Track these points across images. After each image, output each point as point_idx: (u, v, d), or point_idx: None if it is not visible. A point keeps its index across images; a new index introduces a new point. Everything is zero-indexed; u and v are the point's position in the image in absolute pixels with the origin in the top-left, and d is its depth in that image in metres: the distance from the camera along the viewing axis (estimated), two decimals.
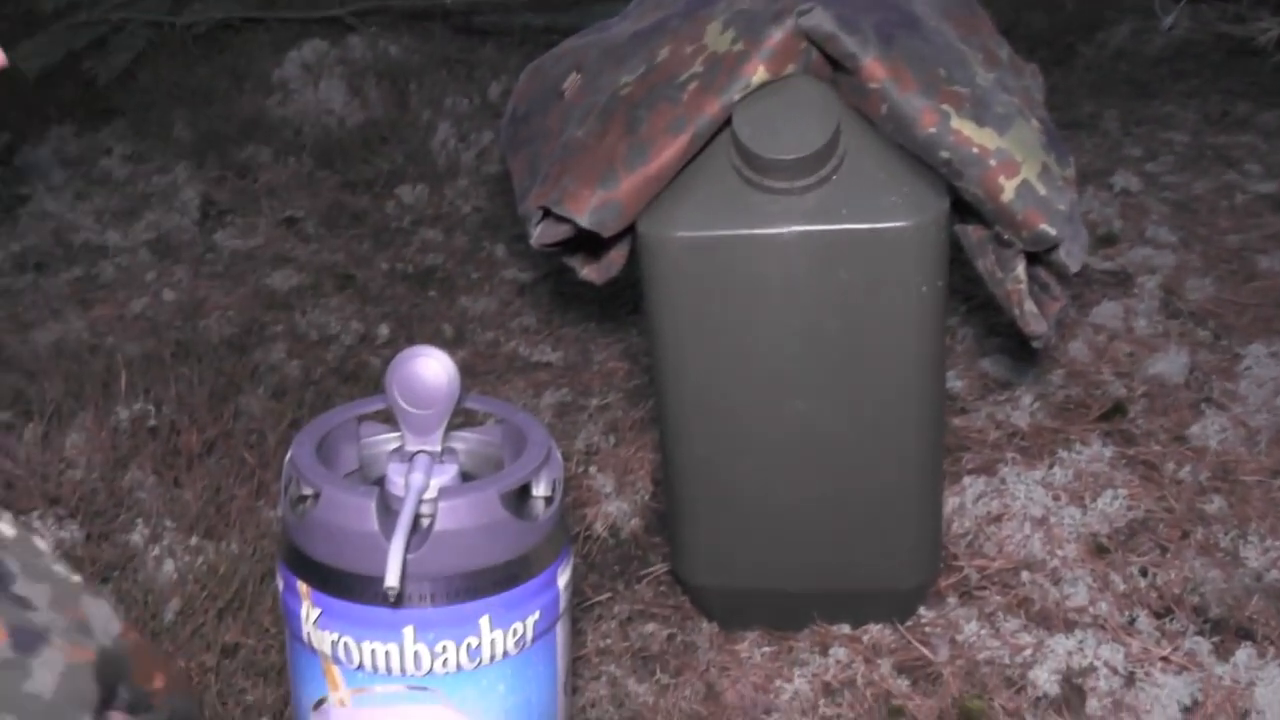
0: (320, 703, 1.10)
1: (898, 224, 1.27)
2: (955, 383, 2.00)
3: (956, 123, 1.27)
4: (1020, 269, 1.37)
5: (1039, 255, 1.36)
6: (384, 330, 2.29)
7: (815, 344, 1.32)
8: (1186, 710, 1.38)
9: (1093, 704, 1.39)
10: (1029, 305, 1.38)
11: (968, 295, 2.22)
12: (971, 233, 1.41)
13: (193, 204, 2.81)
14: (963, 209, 1.35)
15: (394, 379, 1.09)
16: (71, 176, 2.98)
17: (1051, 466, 1.77)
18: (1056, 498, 1.71)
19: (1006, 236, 1.32)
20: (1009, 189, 1.28)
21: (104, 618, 0.74)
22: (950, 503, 1.70)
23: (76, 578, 0.75)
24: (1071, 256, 1.34)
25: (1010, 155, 1.28)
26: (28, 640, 0.69)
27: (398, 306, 2.38)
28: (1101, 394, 1.96)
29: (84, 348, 2.19)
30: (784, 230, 1.28)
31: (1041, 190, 1.28)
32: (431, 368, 1.08)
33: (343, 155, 3.01)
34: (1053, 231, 1.29)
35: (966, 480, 1.75)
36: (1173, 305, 2.19)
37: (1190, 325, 2.13)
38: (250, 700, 1.40)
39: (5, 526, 0.73)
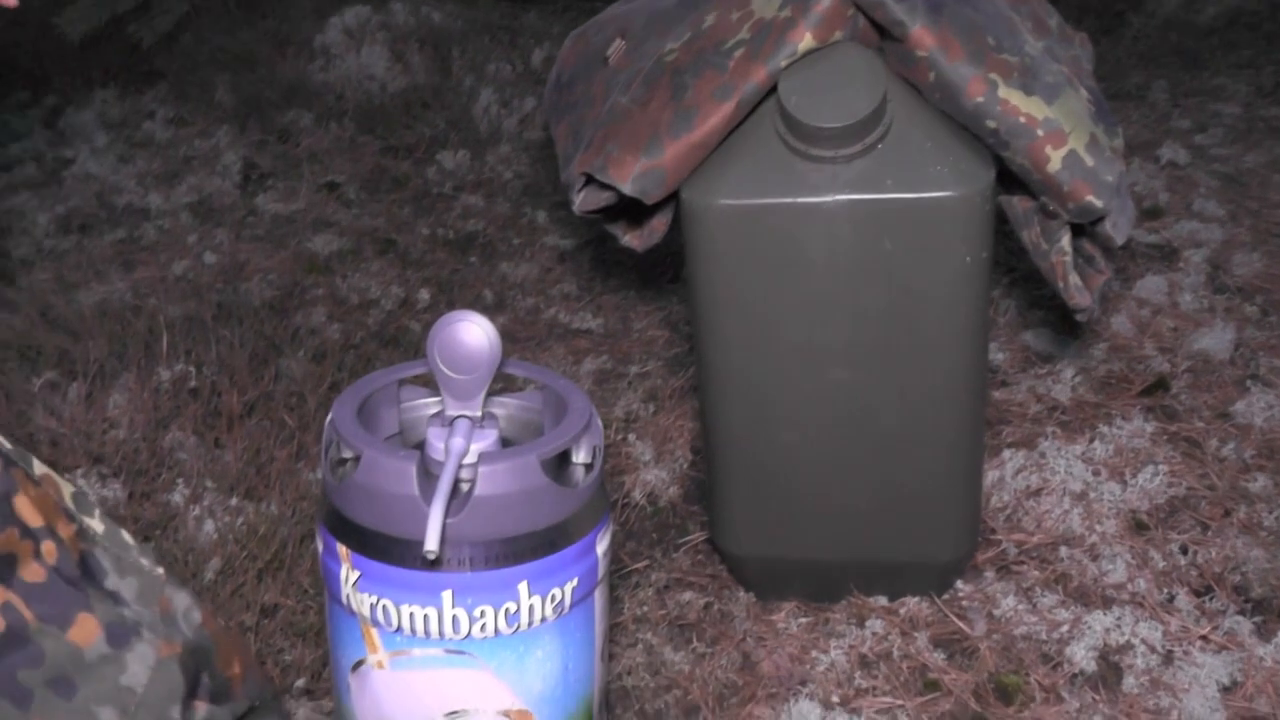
0: (359, 664, 1.11)
1: (943, 194, 1.26)
2: (997, 355, 1.99)
3: (1004, 92, 1.25)
4: (1065, 241, 1.35)
5: (1084, 227, 1.34)
6: (424, 295, 2.29)
7: (858, 314, 1.31)
8: (1225, 690, 1.37)
9: (1129, 682, 1.38)
10: (1073, 278, 1.37)
11: (1010, 267, 2.20)
12: (1017, 204, 1.39)
13: (234, 168, 2.83)
14: (1008, 180, 1.33)
15: (435, 343, 1.09)
16: (114, 140, 2.99)
17: (1092, 441, 1.76)
18: (1096, 473, 1.70)
19: (1052, 208, 1.31)
20: (1056, 159, 1.26)
21: (186, 609, 0.76)
22: (989, 476, 1.70)
23: (159, 570, 0.76)
24: (1117, 229, 1.32)
25: (1058, 125, 1.26)
26: (121, 635, 0.71)
27: (438, 272, 2.38)
28: (1144, 369, 1.94)
29: (127, 309, 2.20)
30: (828, 199, 1.27)
31: (1089, 161, 1.27)
32: (473, 333, 1.08)
33: (384, 121, 3.01)
34: (1099, 203, 1.27)
35: (1006, 454, 1.74)
36: (1219, 280, 2.16)
37: (1237, 300, 2.10)
38: (289, 660, 1.41)
39: (95, 522, 0.75)
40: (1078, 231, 1.36)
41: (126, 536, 0.76)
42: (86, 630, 0.69)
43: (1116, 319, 2.06)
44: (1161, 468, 1.70)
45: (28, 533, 0.69)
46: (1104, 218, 1.30)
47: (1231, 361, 1.95)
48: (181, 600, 0.76)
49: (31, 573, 0.68)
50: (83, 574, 0.71)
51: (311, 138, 2.96)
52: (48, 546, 0.70)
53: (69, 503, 0.74)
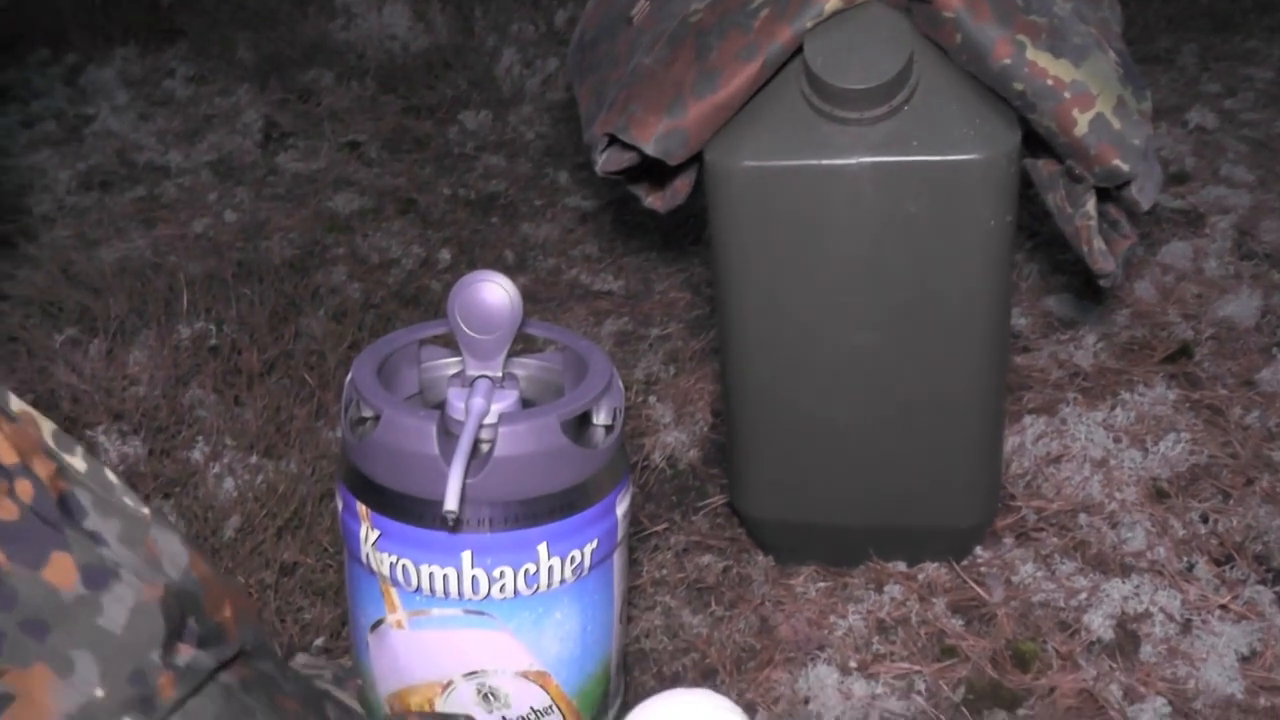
0: (378, 624, 1.11)
1: (968, 157, 1.24)
2: (1019, 320, 1.97)
3: (1032, 54, 1.24)
4: (1090, 205, 1.34)
5: (1110, 191, 1.33)
6: (445, 255, 2.29)
7: (880, 277, 1.31)
8: (1244, 659, 1.36)
9: (1147, 650, 1.38)
10: (1098, 242, 1.35)
11: (1034, 232, 2.18)
12: (1042, 167, 1.38)
13: (255, 126, 2.82)
14: (1034, 143, 1.32)
15: (456, 303, 1.09)
16: (135, 97, 2.99)
17: (1113, 408, 1.75)
18: (1117, 440, 1.69)
19: (1078, 171, 1.30)
20: (1083, 122, 1.25)
21: (173, 551, 0.74)
22: (1010, 442, 1.69)
23: (145, 510, 0.75)
24: (1144, 193, 1.31)
25: (1086, 88, 1.25)
26: (99, 577, 0.69)
27: (459, 232, 2.38)
28: (1167, 335, 1.93)
29: (147, 266, 2.21)
30: (853, 161, 1.26)
31: (1116, 124, 1.25)
32: (494, 292, 1.08)
33: (406, 80, 3.00)
34: (1126, 167, 1.26)
35: (1027, 420, 1.73)
36: (1246, 246, 2.14)
37: (1264, 267, 2.08)
38: (308, 618, 1.42)
39: (77, 460, 0.73)
40: (1103, 195, 1.35)
41: (111, 475, 0.75)
42: (62, 570, 0.68)
43: (1140, 285, 2.05)
44: (1183, 435, 1.69)
45: (1, 471, 0.68)
46: (1130, 181, 1.29)
47: (1257, 329, 1.93)
48: (170, 542, 0.74)
49: (4, 510, 0.67)
50: (61, 514, 0.70)
51: (333, 96, 2.95)
52: (22, 485, 0.68)
53: (49, 440, 0.73)
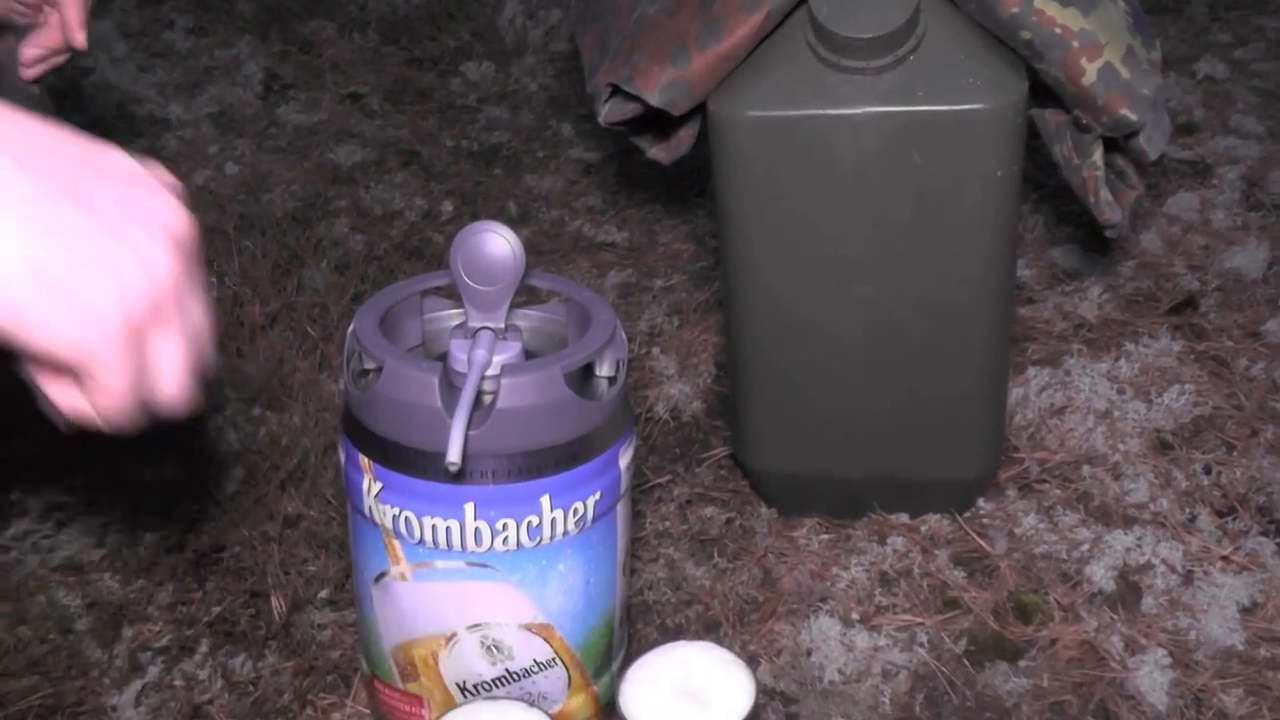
0: (381, 576, 1.12)
1: (975, 106, 1.23)
2: (1023, 272, 1.97)
3: (1040, 2, 1.22)
4: (1097, 155, 1.33)
5: (1117, 141, 1.32)
6: (448, 207, 2.28)
7: (886, 228, 1.30)
8: (1245, 611, 1.36)
9: (1149, 601, 1.38)
10: (1104, 193, 1.34)
11: (1039, 183, 2.17)
12: (1049, 117, 1.37)
13: (255, 78, 2.80)
14: (1041, 93, 1.31)
15: (458, 254, 1.08)
16: (134, 49, 2.96)
17: (1118, 359, 1.75)
18: (1121, 391, 1.69)
19: (1085, 121, 1.28)
20: (1091, 72, 1.24)
21: None
22: (1013, 394, 1.69)
23: None
24: (1152, 144, 1.30)
25: (1094, 37, 1.23)
26: None
27: (462, 184, 2.37)
28: (1173, 287, 1.92)
29: None
30: (858, 111, 1.25)
31: (1125, 74, 1.24)
32: (496, 243, 1.07)
33: (408, 31, 2.97)
34: (1134, 117, 1.25)
35: (1031, 371, 1.73)
36: (1254, 198, 2.13)
37: (1272, 219, 2.07)
38: (312, 570, 1.42)
39: None
40: (1110, 146, 1.34)
41: None
42: None
43: (1146, 236, 2.03)
44: (1188, 387, 1.68)
45: None
46: (1138, 132, 1.28)
47: (1264, 280, 1.93)
48: None
49: None
50: None
51: (334, 48, 2.93)
52: None
53: None
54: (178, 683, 1.31)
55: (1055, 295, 1.92)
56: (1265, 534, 1.46)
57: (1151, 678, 1.28)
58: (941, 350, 1.37)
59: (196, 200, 2.29)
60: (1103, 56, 1.23)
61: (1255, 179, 2.18)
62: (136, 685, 1.30)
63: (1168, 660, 1.29)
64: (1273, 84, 2.52)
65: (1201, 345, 1.79)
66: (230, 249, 2.01)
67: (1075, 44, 1.22)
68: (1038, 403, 1.68)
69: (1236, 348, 1.78)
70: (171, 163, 2.48)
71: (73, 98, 2.74)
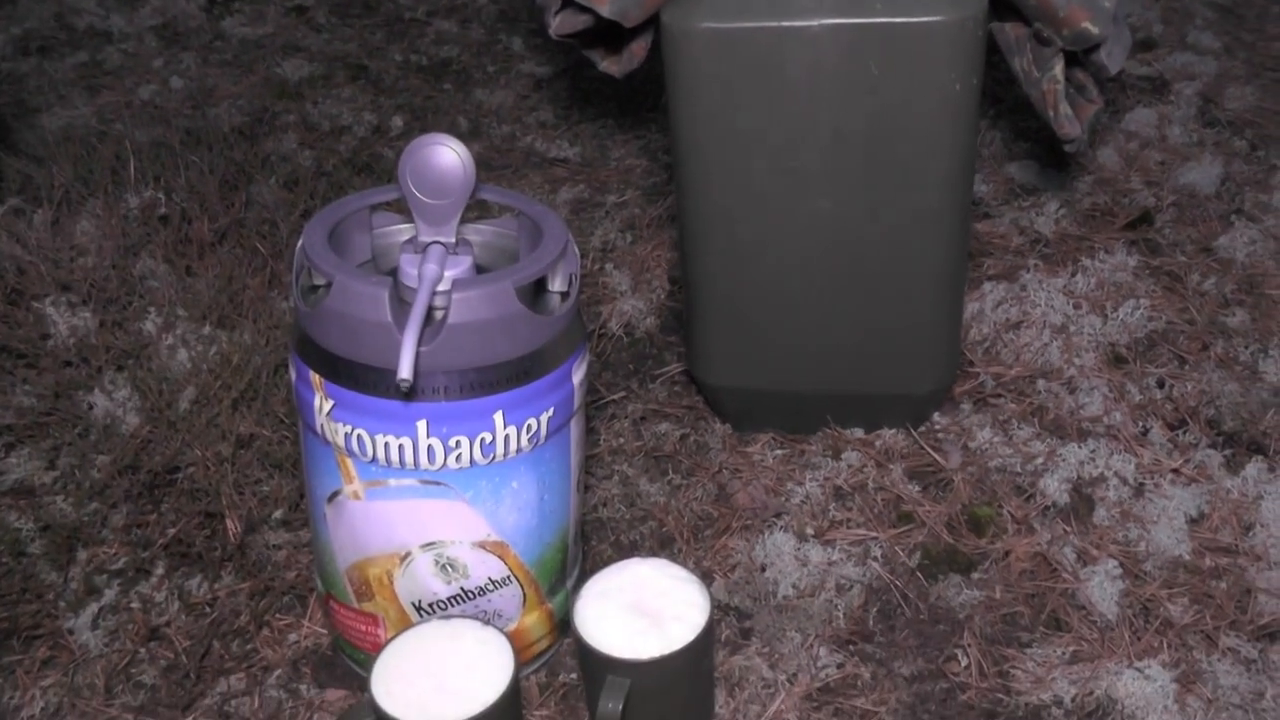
0: (335, 495, 1.11)
1: (933, 19, 1.21)
2: (980, 187, 1.96)
3: None
4: (1058, 69, 1.32)
5: (1077, 56, 1.31)
6: (398, 122, 2.24)
7: (842, 142, 1.28)
8: (1193, 522, 1.38)
9: (1100, 514, 1.39)
10: (1064, 107, 1.34)
11: (997, 98, 2.16)
12: (1009, 30, 1.36)
13: None
14: (1001, 6, 1.29)
15: (407, 167, 1.06)
16: None
17: (1074, 274, 1.75)
18: (1077, 306, 1.69)
19: (1046, 34, 1.27)
20: None
21: None
22: (969, 308, 1.69)
23: None
24: (1112, 58, 1.29)
25: None
26: None
27: (411, 99, 2.32)
28: (1129, 202, 1.92)
29: (92, 134, 2.15)
30: (814, 23, 1.23)
31: None
32: (446, 156, 1.05)
33: None
34: (1096, 30, 1.24)
35: (987, 286, 1.73)
36: (1210, 114, 2.13)
37: (1227, 135, 2.07)
38: (266, 490, 1.41)
39: None
40: (1070, 60, 1.33)
41: None
42: None
43: (1103, 152, 2.03)
44: (1143, 302, 1.69)
45: None
46: (1099, 45, 1.27)
47: (1217, 196, 1.93)
48: None
49: None
50: None
51: None
52: None
53: None
54: (134, 605, 1.30)
55: (1012, 210, 1.92)
56: (1213, 446, 1.48)
57: (1102, 588, 1.29)
58: (897, 265, 1.36)
59: (141, 115, 2.24)
60: None
61: (1211, 95, 2.18)
62: (93, 608, 1.29)
63: (1118, 571, 1.31)
64: (1230, 0, 2.51)
65: (1156, 260, 1.79)
66: (177, 164, 1.96)
67: None
68: (994, 317, 1.68)
69: (1190, 263, 1.79)
70: (114, 76, 2.43)
71: (7, 9, 2.66)
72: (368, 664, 1.07)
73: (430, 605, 1.13)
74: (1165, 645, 1.23)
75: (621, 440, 1.52)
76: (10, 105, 2.27)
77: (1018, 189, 1.97)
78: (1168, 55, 2.30)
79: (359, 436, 1.05)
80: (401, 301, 1.03)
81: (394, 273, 1.06)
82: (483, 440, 1.05)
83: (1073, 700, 1.18)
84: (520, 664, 1.07)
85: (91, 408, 1.51)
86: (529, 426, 1.07)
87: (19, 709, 1.20)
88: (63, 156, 1.98)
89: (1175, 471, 1.44)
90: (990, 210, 1.92)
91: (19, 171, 1.96)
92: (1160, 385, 1.58)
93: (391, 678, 1.03)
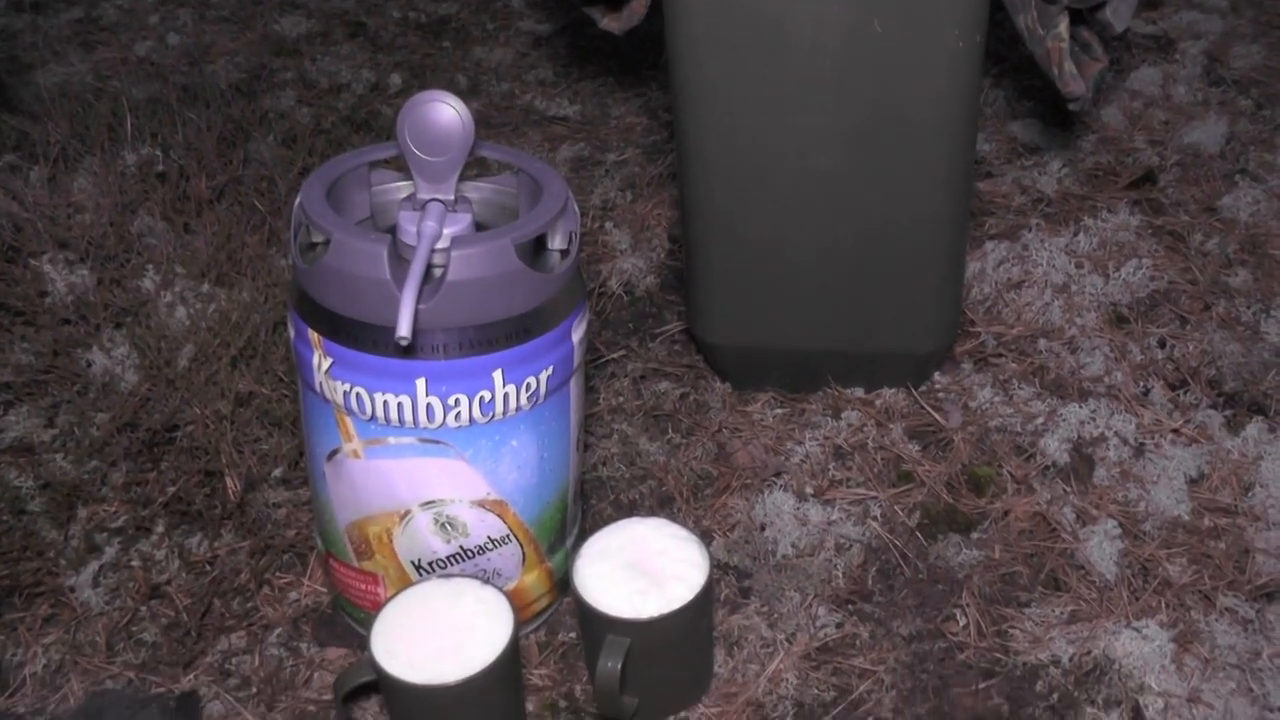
0: (334, 453, 1.10)
1: None
2: (983, 146, 1.95)
3: None
4: (1063, 26, 1.31)
5: (1083, 13, 1.30)
6: (396, 79, 2.22)
7: (844, 99, 1.27)
8: (1192, 482, 1.38)
9: (1100, 473, 1.39)
10: (1068, 65, 1.33)
11: (1000, 57, 2.14)
12: None
13: None
14: None
15: (406, 124, 1.05)
16: None
17: (1076, 234, 1.74)
18: (1079, 265, 1.69)
19: None
20: None
21: None
22: (971, 268, 1.68)
23: None
24: (1118, 15, 1.28)
25: None
26: None
27: (410, 56, 2.31)
28: (1133, 161, 1.91)
29: (88, 90, 2.13)
30: None
31: None
32: (445, 112, 1.04)
33: None
34: None
35: (989, 245, 1.72)
36: (1215, 72, 2.11)
37: (1232, 94, 2.06)
38: (265, 449, 1.41)
39: None
40: (1075, 18, 1.31)
41: None
42: None
43: (1107, 111, 2.02)
44: (1145, 261, 1.68)
45: None
46: (1105, 2, 1.25)
47: (1221, 155, 1.92)
48: None
49: None
50: None
51: None
52: None
53: None
54: (135, 563, 1.30)
55: (1014, 170, 1.91)
56: (1214, 406, 1.47)
57: (1101, 548, 1.29)
58: (898, 223, 1.35)
59: (137, 72, 2.23)
60: None
61: (1217, 54, 2.16)
62: (93, 566, 1.29)
63: (1117, 531, 1.31)
64: None
65: (1159, 220, 1.78)
66: (174, 121, 1.95)
67: None
68: (995, 277, 1.67)
69: (1193, 222, 1.78)
70: (110, 33, 2.41)
71: None
72: (368, 622, 1.07)
73: (430, 564, 1.14)
74: (1163, 605, 1.23)
75: (621, 399, 1.52)
76: (5, 62, 2.25)
77: (1020, 148, 1.96)
78: (1173, 13, 2.28)
79: (358, 394, 1.05)
80: (400, 259, 1.02)
81: (393, 230, 1.06)
82: (482, 398, 1.05)
83: (1070, 660, 1.18)
84: (520, 623, 1.07)
85: (90, 365, 1.50)
86: (528, 385, 1.07)
87: (22, 665, 1.20)
88: (59, 113, 1.97)
89: (1176, 432, 1.44)
90: (993, 169, 1.91)
91: (14, 128, 1.95)
92: (1161, 345, 1.57)
93: (392, 636, 1.04)
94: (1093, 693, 1.15)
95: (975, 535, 1.33)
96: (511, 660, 1.04)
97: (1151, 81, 2.09)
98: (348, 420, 1.08)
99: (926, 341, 1.47)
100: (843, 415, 1.48)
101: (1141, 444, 1.43)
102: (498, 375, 1.04)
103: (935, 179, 1.32)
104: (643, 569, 1.09)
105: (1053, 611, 1.23)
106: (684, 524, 1.18)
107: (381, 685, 1.04)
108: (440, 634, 1.04)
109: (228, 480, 1.36)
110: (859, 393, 1.51)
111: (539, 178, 1.11)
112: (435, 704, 1.02)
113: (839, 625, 1.23)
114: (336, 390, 1.06)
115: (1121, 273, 1.66)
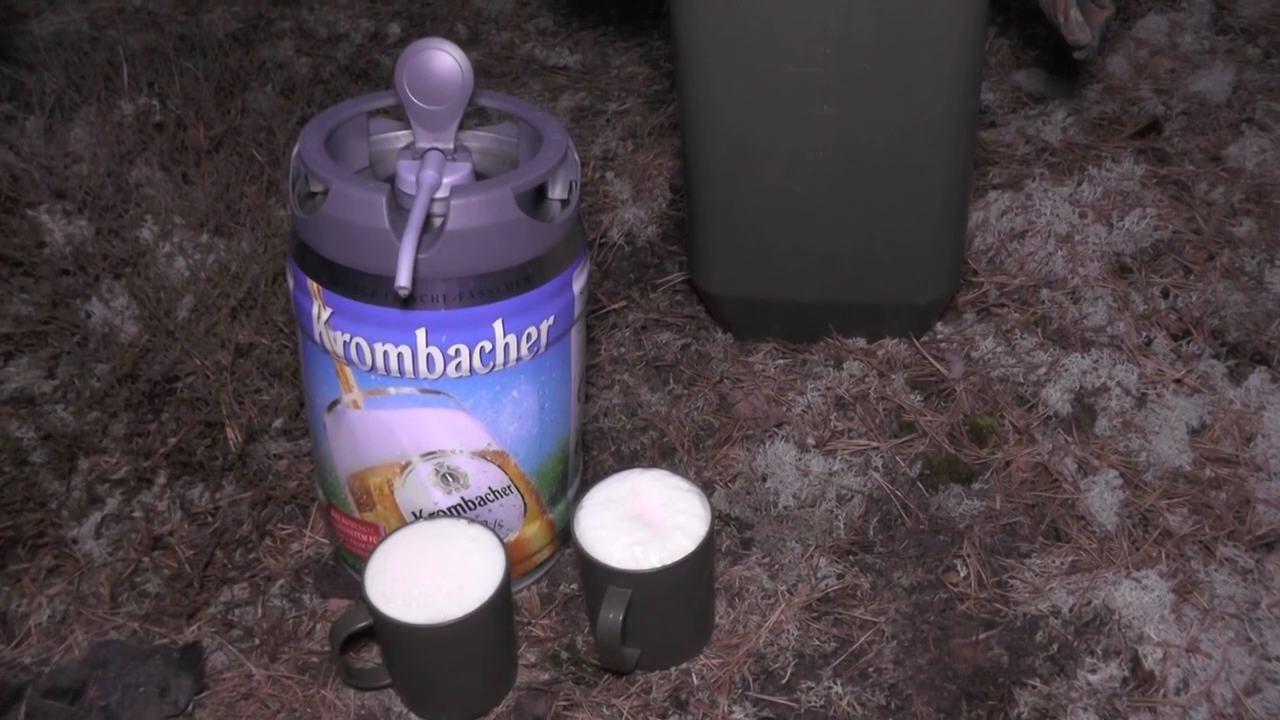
0: (334, 404, 1.10)
1: None
2: (986, 95, 1.93)
3: None
4: None
5: None
6: (395, 29, 2.20)
7: (848, 47, 1.26)
8: (1194, 432, 1.38)
9: (1102, 424, 1.39)
10: (1075, 12, 1.31)
11: (1005, 5, 2.12)
12: None
13: None
14: None
15: (404, 72, 1.04)
16: None
17: (1080, 184, 1.73)
18: (1083, 215, 1.68)
19: None
20: None
21: None
22: (974, 218, 1.67)
23: None
24: None
25: None
26: None
27: (409, 5, 2.29)
28: (1138, 111, 1.89)
29: (84, 40, 2.11)
30: None
31: None
32: (443, 61, 1.03)
33: None
34: None
35: (992, 195, 1.71)
36: (1223, 20, 2.09)
37: (1240, 42, 2.04)
38: (266, 400, 1.41)
39: None
40: None
41: None
42: None
43: (1113, 59, 2.00)
44: (1149, 211, 1.67)
45: None
46: None
47: (1228, 104, 1.90)
48: None
49: None
50: None
51: None
52: None
53: None
54: (137, 514, 1.30)
55: (1018, 119, 1.89)
56: (1216, 356, 1.47)
57: (1102, 498, 1.29)
58: (902, 173, 1.34)
59: (133, 21, 2.20)
60: None
61: (1225, 2, 2.14)
62: (95, 517, 1.29)
63: (1118, 481, 1.31)
64: None
65: (1164, 169, 1.77)
66: (171, 71, 1.94)
67: None
68: (998, 226, 1.66)
69: (1198, 172, 1.77)
70: None
71: None
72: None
73: (431, 515, 1.14)
74: (1163, 555, 1.23)
75: (622, 350, 1.51)
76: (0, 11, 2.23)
77: (1025, 97, 1.94)
78: None
79: (358, 345, 1.05)
80: (399, 208, 1.02)
81: (392, 179, 1.05)
82: (482, 349, 1.04)
83: (1070, 610, 1.18)
84: (510, 559, 1.07)
85: (89, 316, 1.50)
86: (529, 335, 1.06)
87: (26, 616, 1.20)
88: (54, 63, 1.96)
89: (1178, 382, 1.43)
90: (996, 119, 1.89)
91: (10, 78, 1.93)
92: (1165, 295, 1.56)
93: (385, 579, 1.04)
94: (1092, 643, 1.15)
95: (976, 486, 1.33)
96: (505, 597, 1.05)
97: (1158, 30, 2.07)
98: (348, 371, 1.07)
99: (928, 291, 1.46)
100: (844, 365, 1.47)
101: (1144, 394, 1.42)
102: (498, 325, 1.04)
103: (939, 128, 1.31)
104: (644, 520, 1.10)
105: (1053, 562, 1.23)
106: (685, 475, 1.18)
107: (378, 629, 1.05)
108: (433, 574, 1.05)
109: (229, 431, 1.36)
110: (860, 343, 1.50)
111: (539, 126, 1.10)
112: (436, 642, 1.02)
113: (840, 576, 1.23)
114: (336, 341, 1.05)
115: (1125, 222, 1.65)
